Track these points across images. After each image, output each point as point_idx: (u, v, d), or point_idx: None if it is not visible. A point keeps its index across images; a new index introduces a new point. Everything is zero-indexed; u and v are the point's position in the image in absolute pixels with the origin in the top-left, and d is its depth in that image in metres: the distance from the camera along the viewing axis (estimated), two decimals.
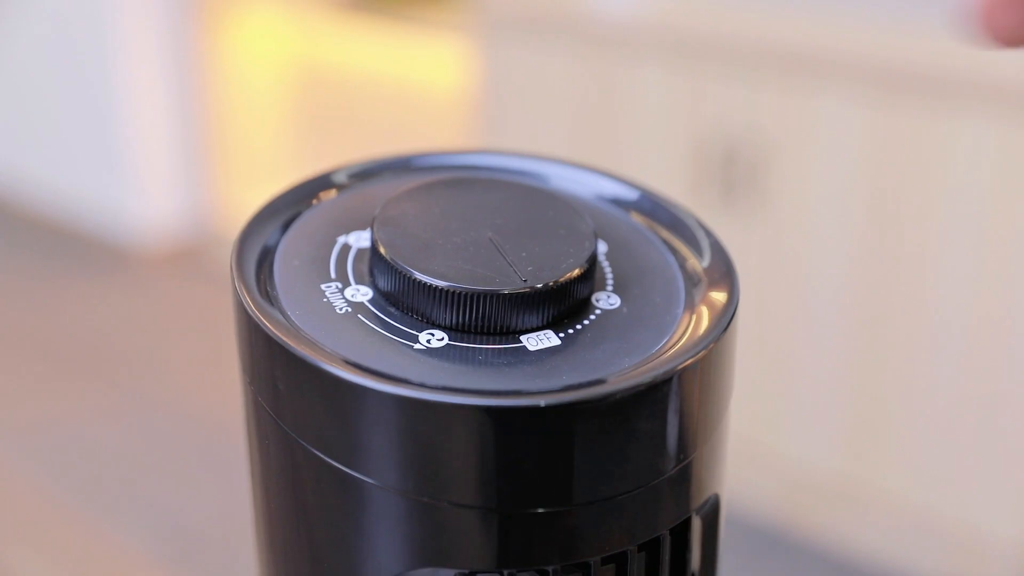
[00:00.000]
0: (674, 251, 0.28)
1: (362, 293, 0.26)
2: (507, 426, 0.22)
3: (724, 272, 0.27)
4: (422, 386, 0.22)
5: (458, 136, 1.97)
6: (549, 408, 0.22)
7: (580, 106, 1.48)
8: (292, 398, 0.24)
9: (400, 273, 0.25)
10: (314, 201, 0.29)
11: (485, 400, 0.22)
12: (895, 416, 1.31)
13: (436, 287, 0.24)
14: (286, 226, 0.28)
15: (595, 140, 1.48)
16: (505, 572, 0.23)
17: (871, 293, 1.29)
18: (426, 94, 2.27)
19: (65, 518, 1.51)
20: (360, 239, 0.28)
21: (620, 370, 0.23)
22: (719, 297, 0.26)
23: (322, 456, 0.24)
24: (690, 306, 0.26)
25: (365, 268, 0.27)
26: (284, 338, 0.23)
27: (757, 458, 1.41)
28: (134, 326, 2.08)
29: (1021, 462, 1.24)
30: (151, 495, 1.58)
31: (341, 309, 0.25)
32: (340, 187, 0.30)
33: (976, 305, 1.22)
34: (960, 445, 1.27)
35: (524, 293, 0.24)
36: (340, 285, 0.26)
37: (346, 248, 0.27)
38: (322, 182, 0.30)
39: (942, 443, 1.28)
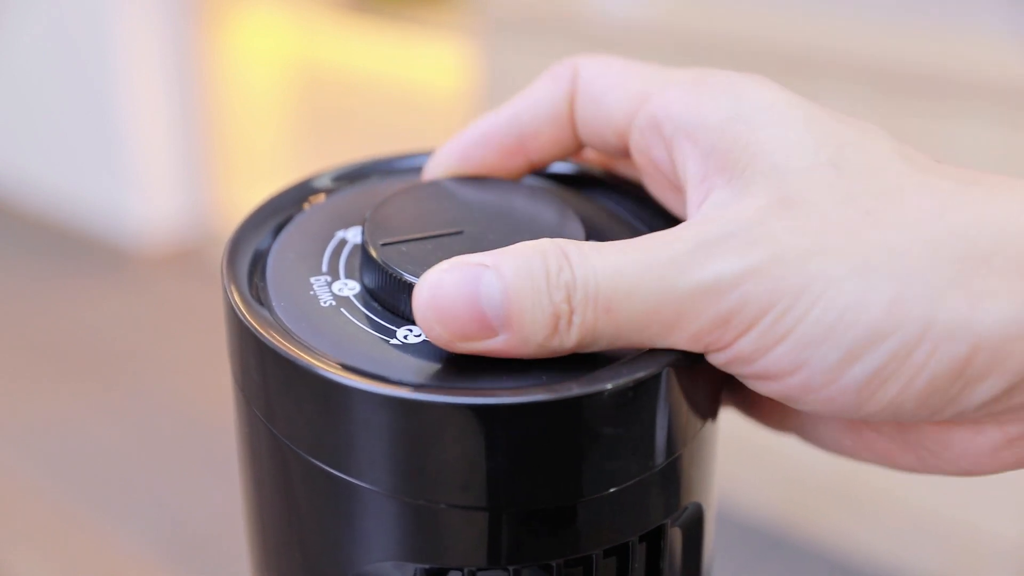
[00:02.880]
0: None
1: (349, 288, 0.26)
2: (495, 424, 0.22)
3: None
4: (387, 381, 0.22)
5: None
6: (506, 407, 0.22)
7: None
8: (278, 399, 0.24)
9: (380, 269, 0.25)
10: (307, 203, 0.29)
11: (445, 397, 0.22)
12: None
13: (412, 284, 0.24)
14: (281, 226, 0.28)
15: None
16: (465, 570, 0.23)
17: None
18: (426, 94, 2.27)
19: (65, 518, 1.51)
20: (357, 235, 0.28)
21: (591, 371, 0.23)
22: None
23: (308, 457, 0.24)
24: None
25: (357, 263, 0.27)
26: (266, 334, 0.24)
27: (757, 458, 1.41)
28: (134, 326, 2.08)
29: None
30: (151, 495, 1.58)
31: (325, 302, 0.25)
32: (340, 186, 0.30)
33: None
34: None
35: None
36: (330, 279, 0.26)
37: (342, 243, 0.27)
38: (318, 182, 0.30)
39: None
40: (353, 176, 0.31)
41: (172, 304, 2.18)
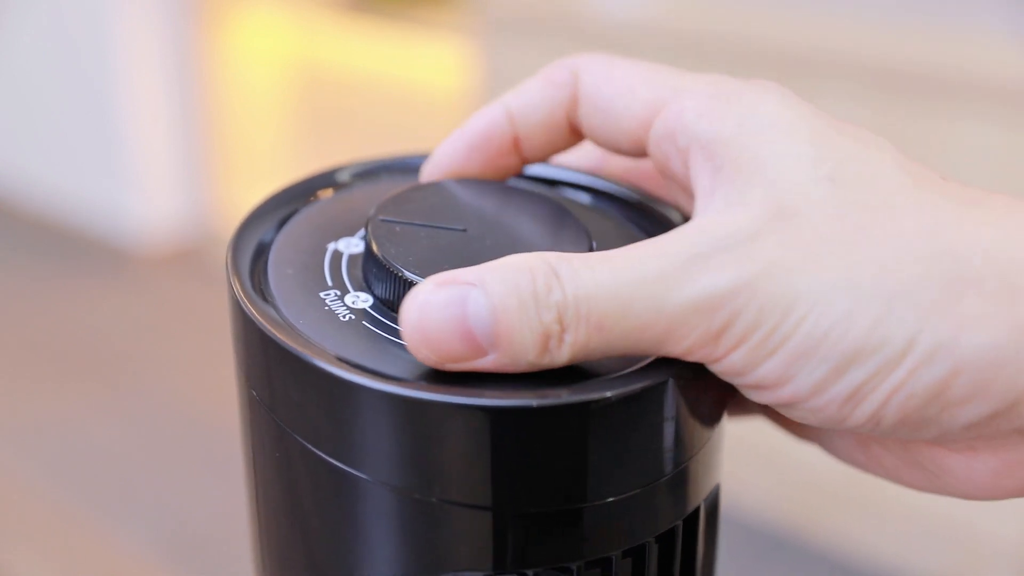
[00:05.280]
0: None
1: (362, 300, 0.26)
2: (497, 426, 0.22)
3: None
4: (418, 385, 0.23)
5: None
6: (540, 409, 0.22)
7: None
8: (287, 395, 0.24)
9: (399, 279, 0.25)
10: (304, 204, 0.29)
11: (479, 400, 0.22)
12: None
13: None
14: (280, 226, 0.28)
15: None
16: (493, 572, 0.23)
17: None
18: (426, 94, 2.27)
19: (65, 518, 1.51)
20: (350, 245, 0.28)
21: (615, 372, 0.23)
22: None
23: (317, 452, 0.24)
24: None
25: (360, 274, 0.27)
26: (282, 337, 0.24)
27: (760, 459, 1.41)
28: (134, 326, 2.08)
29: None
30: (151, 495, 1.58)
31: (344, 317, 0.25)
32: (331, 190, 0.30)
33: None
34: None
35: None
36: (339, 293, 0.26)
37: (337, 255, 0.27)
38: (314, 184, 0.30)
39: None
40: (345, 179, 0.31)
41: (172, 304, 2.18)
